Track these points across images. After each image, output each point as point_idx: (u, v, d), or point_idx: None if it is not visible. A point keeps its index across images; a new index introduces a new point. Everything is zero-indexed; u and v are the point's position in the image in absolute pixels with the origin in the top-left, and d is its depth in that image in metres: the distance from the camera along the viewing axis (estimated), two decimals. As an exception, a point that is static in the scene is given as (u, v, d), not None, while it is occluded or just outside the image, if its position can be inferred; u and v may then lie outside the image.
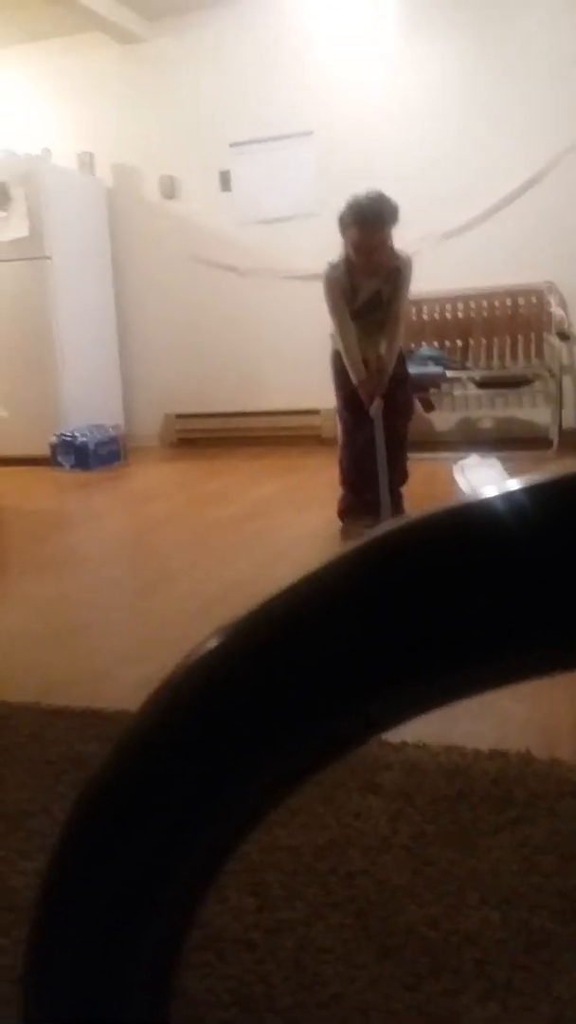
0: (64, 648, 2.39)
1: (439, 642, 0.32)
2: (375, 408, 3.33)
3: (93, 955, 0.34)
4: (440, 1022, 1.08)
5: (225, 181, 5.84)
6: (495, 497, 0.34)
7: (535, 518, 0.34)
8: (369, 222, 3.07)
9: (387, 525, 0.38)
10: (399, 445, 3.54)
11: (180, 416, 6.03)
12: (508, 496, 0.34)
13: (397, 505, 3.59)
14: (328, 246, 3.70)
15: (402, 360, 3.47)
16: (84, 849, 0.36)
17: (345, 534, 3.43)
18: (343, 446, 3.55)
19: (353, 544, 0.37)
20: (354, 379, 3.33)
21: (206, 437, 5.93)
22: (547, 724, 1.80)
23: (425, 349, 5.29)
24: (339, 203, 3.38)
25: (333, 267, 3.26)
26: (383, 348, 3.34)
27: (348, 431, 3.53)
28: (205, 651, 0.35)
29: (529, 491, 0.33)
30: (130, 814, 0.34)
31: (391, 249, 3.21)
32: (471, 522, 0.35)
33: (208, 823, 0.33)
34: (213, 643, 0.36)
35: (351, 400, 3.43)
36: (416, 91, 5.20)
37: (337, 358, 3.42)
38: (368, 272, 3.24)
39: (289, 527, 3.53)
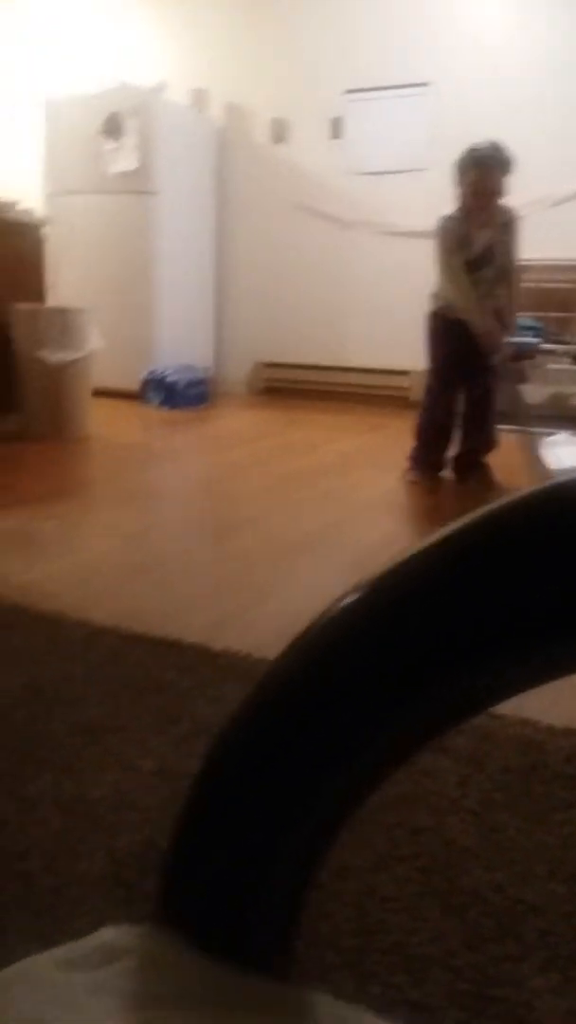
0: (145, 579, 2.44)
1: (556, 615, 0.31)
2: (499, 358, 3.38)
3: (228, 884, 0.35)
4: (501, 984, 1.08)
5: (337, 128, 5.73)
6: None
7: None
8: (489, 165, 3.13)
9: (516, 494, 0.37)
10: (488, 407, 3.53)
11: (269, 365, 6.02)
12: None
13: (482, 473, 3.56)
14: (435, 204, 3.62)
15: (503, 322, 3.43)
16: (225, 782, 0.36)
17: (408, 482, 3.56)
18: (424, 408, 3.58)
19: (487, 509, 0.36)
20: (476, 327, 3.29)
21: (293, 388, 5.91)
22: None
23: (523, 319, 5.14)
24: (450, 160, 3.31)
25: (448, 218, 3.26)
26: (502, 300, 3.35)
27: (432, 396, 3.52)
28: (342, 607, 0.35)
29: None
30: (268, 756, 0.35)
31: (501, 202, 3.24)
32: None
33: (338, 773, 0.34)
34: (350, 600, 0.36)
35: (444, 365, 3.41)
36: (539, 53, 5.00)
37: (435, 319, 3.39)
38: (482, 221, 3.24)
39: (366, 486, 3.51)
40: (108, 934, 0.33)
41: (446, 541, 0.35)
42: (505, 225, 3.31)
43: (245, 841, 0.34)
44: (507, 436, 4.60)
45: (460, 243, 3.25)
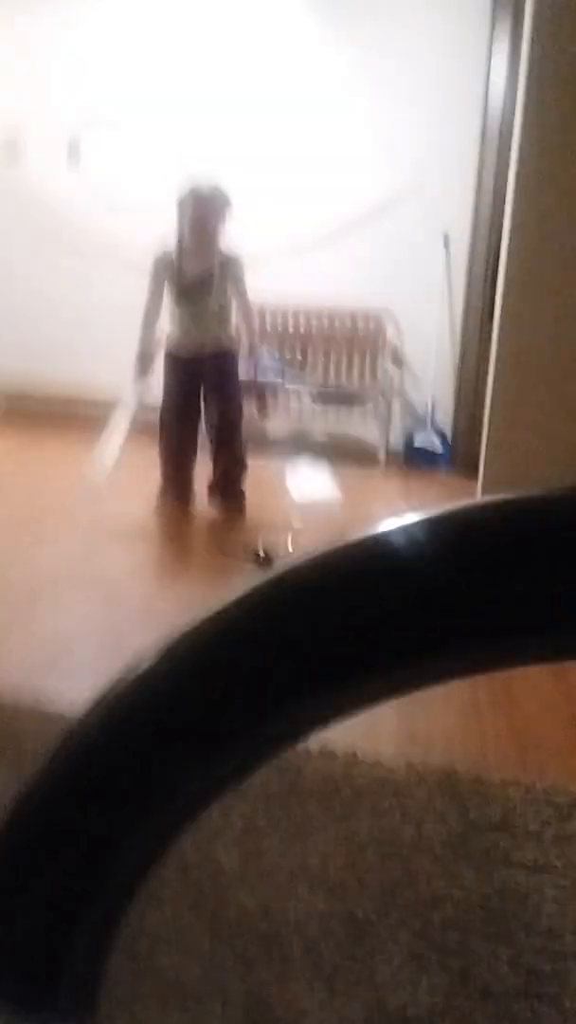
0: None
1: (346, 662, 0.36)
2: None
3: (29, 941, 0.35)
4: (272, 1008, 1.12)
5: (75, 153, 5.66)
6: (390, 530, 0.39)
7: (429, 548, 0.39)
8: (204, 198, 3.44)
9: (298, 557, 0.42)
10: (232, 430, 3.70)
11: (6, 395, 5.78)
12: (402, 528, 0.39)
13: (237, 499, 3.68)
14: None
15: (231, 354, 3.67)
16: (23, 840, 0.36)
17: (159, 514, 3.63)
18: (160, 440, 3.74)
19: (278, 569, 0.41)
20: (137, 345, 3.58)
21: (36, 412, 5.72)
22: (371, 728, 1.90)
23: (267, 356, 5.38)
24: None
25: (164, 251, 3.53)
26: (238, 329, 3.68)
27: (167, 428, 3.71)
28: (141, 668, 0.37)
29: (423, 523, 0.38)
30: (69, 813, 0.36)
31: (221, 242, 3.51)
32: (370, 554, 0.40)
33: (139, 830, 0.35)
34: (148, 661, 0.38)
35: (173, 398, 3.64)
36: (283, 97, 5.30)
37: (165, 356, 3.63)
38: (199, 254, 3.50)
39: (114, 514, 3.48)
40: None
41: (246, 598, 0.37)
42: (222, 265, 3.58)
43: (45, 897, 0.34)
44: (256, 466, 4.76)
45: (171, 271, 3.53)
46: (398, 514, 0.40)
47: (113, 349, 5.61)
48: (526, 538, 0.39)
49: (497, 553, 0.40)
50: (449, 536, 0.40)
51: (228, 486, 3.69)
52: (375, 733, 1.86)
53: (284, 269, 5.39)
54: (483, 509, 0.42)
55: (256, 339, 3.90)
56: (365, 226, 5.37)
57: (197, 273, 3.53)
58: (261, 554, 3.12)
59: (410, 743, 1.86)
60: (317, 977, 1.17)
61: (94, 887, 0.36)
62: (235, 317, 3.69)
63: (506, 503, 0.42)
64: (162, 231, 3.56)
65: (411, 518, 0.41)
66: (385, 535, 0.40)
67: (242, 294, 3.64)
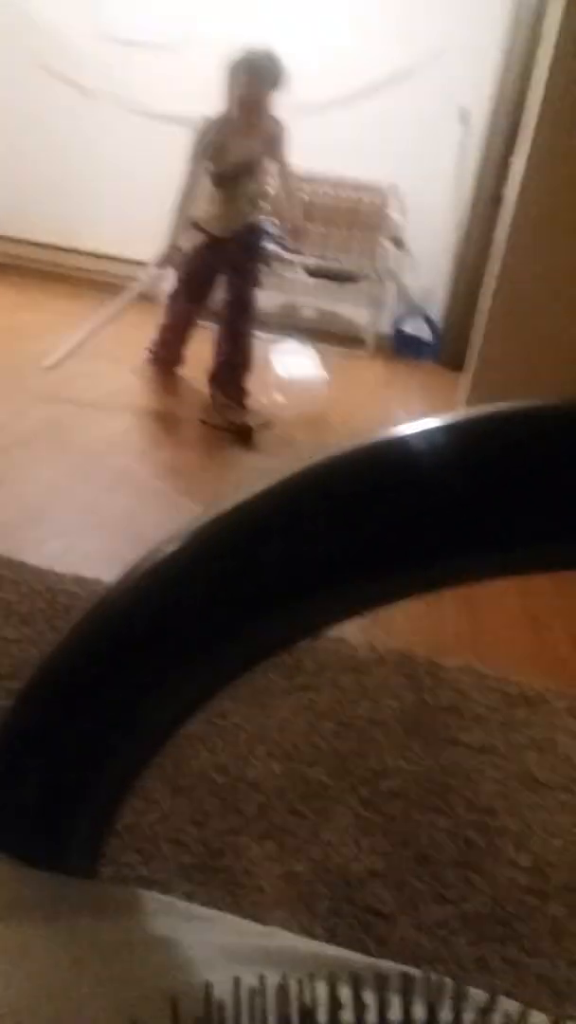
0: None
1: (356, 559, 0.36)
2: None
3: (48, 802, 0.36)
4: (224, 855, 1.19)
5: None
6: (408, 434, 0.38)
7: (443, 452, 0.38)
8: (262, 76, 3.05)
9: (321, 454, 0.41)
10: (243, 314, 3.51)
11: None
12: (419, 433, 0.39)
13: (235, 391, 3.51)
14: (193, 93, 3.48)
15: (258, 231, 3.45)
16: (48, 704, 0.37)
17: (144, 376, 3.54)
18: (167, 312, 3.59)
19: (291, 468, 0.40)
20: (169, 237, 3.28)
21: (20, 264, 5.50)
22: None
23: (267, 224, 5.18)
24: (215, 46, 3.20)
25: (208, 120, 3.12)
26: (283, 210, 3.53)
27: (176, 304, 3.52)
28: (165, 550, 0.37)
29: (440, 428, 0.38)
30: (97, 678, 0.36)
31: (270, 113, 3.18)
32: (383, 455, 0.39)
33: (156, 704, 0.36)
34: (172, 544, 0.38)
35: (188, 277, 3.41)
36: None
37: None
38: (245, 132, 3.15)
39: (101, 379, 3.42)
40: None
41: (279, 486, 0.37)
42: (270, 137, 3.26)
43: (64, 761, 0.35)
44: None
45: (214, 151, 3.15)
46: (404, 413, 0.39)
47: (114, 201, 5.37)
48: (544, 448, 0.39)
49: (511, 461, 0.39)
50: (464, 442, 0.40)
51: (231, 381, 3.46)
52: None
53: (290, 131, 5.12)
54: (500, 417, 0.42)
55: (301, 219, 3.65)
56: (378, 94, 5.09)
57: (243, 153, 3.20)
58: (242, 425, 3.10)
59: (373, 626, 1.92)
60: (268, 832, 1.25)
61: (109, 751, 0.37)
62: (276, 191, 3.45)
63: (523, 411, 0.42)
64: (176, 76, 3.29)
65: (427, 422, 0.40)
66: (401, 438, 0.40)
67: (285, 165, 3.38)
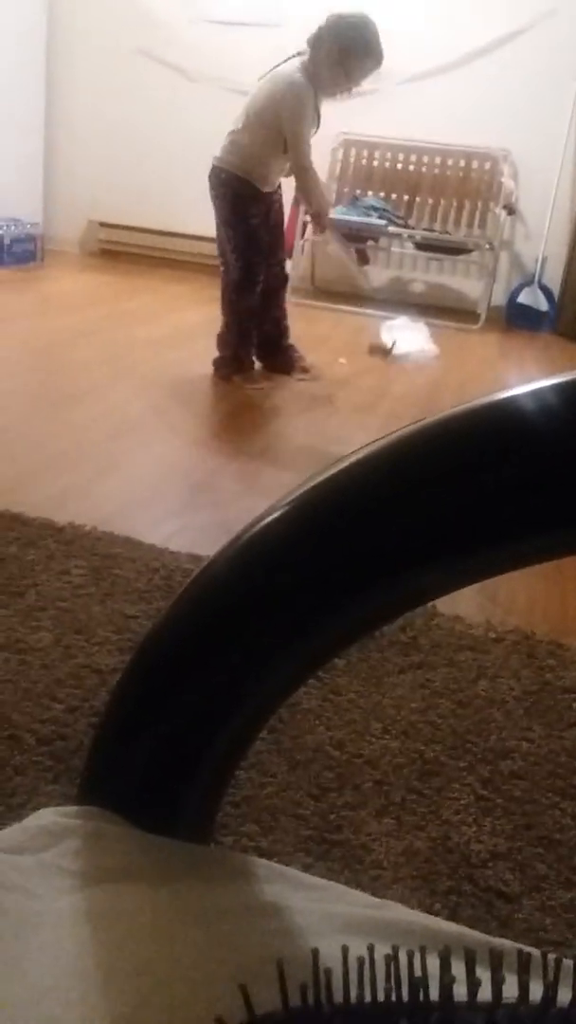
0: (-20, 449, 2.32)
1: (472, 523, 0.34)
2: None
3: (162, 764, 0.36)
4: (342, 830, 1.19)
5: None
6: (526, 393, 0.36)
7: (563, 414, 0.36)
8: (380, 62, 3.03)
9: (431, 419, 0.39)
10: (283, 285, 3.44)
11: (104, 225, 5.68)
12: (538, 392, 0.36)
13: (294, 356, 3.47)
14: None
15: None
16: (158, 669, 0.37)
17: (246, 386, 3.26)
18: (243, 308, 3.25)
19: (399, 431, 0.38)
20: (322, 206, 3.22)
21: (130, 252, 5.63)
22: (453, 583, 1.91)
23: (370, 198, 5.12)
24: (305, 17, 3.17)
25: (305, 84, 3.02)
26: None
27: (248, 290, 3.22)
28: (268, 520, 0.36)
29: (557, 388, 0.35)
30: (208, 643, 0.36)
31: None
32: (505, 416, 0.37)
33: (266, 673, 0.35)
34: (275, 514, 0.37)
35: (258, 251, 3.19)
36: None
37: (241, 184, 3.14)
38: (331, 91, 3.12)
39: (207, 359, 3.46)
40: (47, 816, 0.33)
41: (383, 451, 0.35)
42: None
43: (178, 723, 0.35)
44: (346, 319, 4.64)
45: (312, 116, 3.09)
46: (516, 378, 0.37)
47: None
48: None
49: None
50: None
51: (281, 345, 3.43)
52: (456, 592, 1.88)
53: (396, 101, 5.03)
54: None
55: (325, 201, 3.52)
56: (489, 56, 4.92)
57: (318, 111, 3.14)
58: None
59: (491, 604, 1.87)
60: (386, 808, 1.24)
61: (219, 717, 0.37)
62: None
63: None
64: (275, 55, 3.25)
65: (543, 383, 0.38)
66: (518, 399, 0.38)
67: None
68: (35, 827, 0.31)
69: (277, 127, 3.02)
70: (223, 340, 3.30)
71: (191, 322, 4.24)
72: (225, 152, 3.13)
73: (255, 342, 3.32)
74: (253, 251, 3.17)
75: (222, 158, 3.13)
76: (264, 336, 3.36)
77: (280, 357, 3.44)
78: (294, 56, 3.09)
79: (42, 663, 1.44)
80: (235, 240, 3.15)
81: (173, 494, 2.25)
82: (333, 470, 0.36)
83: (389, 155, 5.19)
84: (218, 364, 3.31)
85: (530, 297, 5.00)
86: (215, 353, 3.34)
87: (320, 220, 3.32)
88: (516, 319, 4.99)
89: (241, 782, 1.24)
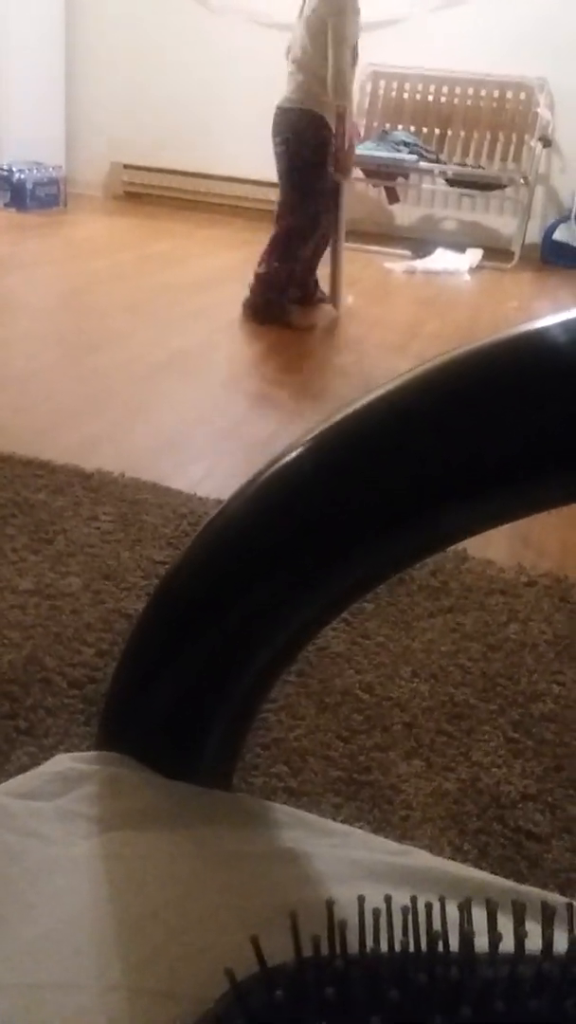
0: (7, 396, 2.32)
1: (501, 461, 0.32)
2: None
3: (182, 708, 0.35)
4: (371, 771, 1.19)
5: None
6: (556, 325, 0.33)
7: None
8: None
9: (459, 349, 0.37)
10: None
11: (128, 167, 5.57)
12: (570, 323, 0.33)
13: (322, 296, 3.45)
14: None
15: None
16: (176, 614, 0.36)
17: (308, 326, 3.27)
18: (307, 235, 3.22)
19: (426, 364, 0.36)
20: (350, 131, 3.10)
21: (155, 194, 5.53)
22: (484, 527, 1.89)
23: (400, 133, 4.96)
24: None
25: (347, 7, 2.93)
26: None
27: (321, 215, 3.21)
28: (289, 458, 0.35)
29: None
30: (225, 588, 0.35)
31: None
32: (535, 348, 0.34)
33: (286, 615, 0.34)
34: (296, 452, 0.35)
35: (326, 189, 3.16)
36: None
37: (326, 127, 3.06)
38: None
39: (239, 303, 3.41)
40: (63, 762, 0.33)
41: (399, 390, 0.34)
42: None
43: (197, 667, 0.34)
44: (376, 259, 4.54)
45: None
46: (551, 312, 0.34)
47: (246, 121, 5.27)
48: None
49: None
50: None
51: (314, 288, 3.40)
52: (487, 534, 1.84)
53: (427, 29, 4.83)
54: None
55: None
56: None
57: None
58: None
59: (522, 547, 1.85)
60: (416, 750, 1.24)
61: (240, 661, 0.36)
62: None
63: None
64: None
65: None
66: (544, 331, 0.35)
67: None
68: (52, 773, 0.31)
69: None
70: (270, 283, 3.21)
71: (218, 266, 4.17)
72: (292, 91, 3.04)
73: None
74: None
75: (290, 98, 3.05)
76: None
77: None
78: None
79: (72, 608, 1.45)
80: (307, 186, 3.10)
81: (201, 439, 2.24)
82: (353, 407, 0.34)
83: (420, 87, 5.01)
84: (258, 307, 3.24)
85: (566, 233, 4.85)
86: (240, 297, 3.28)
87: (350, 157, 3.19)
88: (552, 256, 4.85)
89: (270, 724, 1.25)
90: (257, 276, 3.22)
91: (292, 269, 3.22)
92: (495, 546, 1.81)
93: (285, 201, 3.19)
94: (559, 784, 1.20)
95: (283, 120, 3.08)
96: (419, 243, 4.81)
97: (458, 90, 4.95)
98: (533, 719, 1.32)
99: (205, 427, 2.31)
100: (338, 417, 0.36)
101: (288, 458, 0.36)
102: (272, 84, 4.89)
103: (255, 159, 5.25)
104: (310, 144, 3.06)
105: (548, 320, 0.35)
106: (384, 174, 4.85)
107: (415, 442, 0.34)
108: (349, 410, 0.36)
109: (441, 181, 4.97)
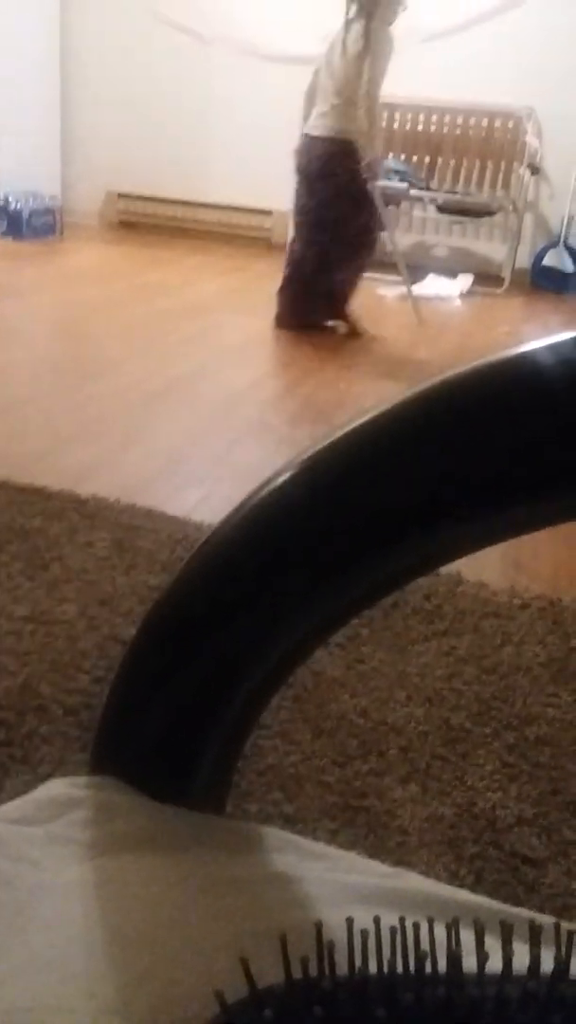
0: (2, 423, 2.33)
1: (494, 480, 0.33)
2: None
3: (174, 734, 0.36)
4: (367, 796, 1.19)
5: None
6: (544, 348, 0.34)
7: None
8: None
9: (446, 374, 0.37)
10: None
11: (123, 196, 5.63)
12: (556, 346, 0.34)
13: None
14: (313, 25, 3.39)
15: None
16: (167, 639, 0.36)
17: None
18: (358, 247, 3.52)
19: (418, 386, 0.37)
20: (371, 155, 3.35)
21: (149, 223, 5.59)
22: (477, 553, 1.89)
23: (391, 161, 5.03)
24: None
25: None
26: None
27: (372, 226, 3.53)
28: (281, 480, 0.35)
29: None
30: (214, 613, 0.35)
31: None
32: (525, 369, 0.35)
33: (278, 638, 0.34)
34: (288, 474, 0.36)
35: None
36: None
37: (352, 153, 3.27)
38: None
39: (232, 329, 3.44)
40: (56, 787, 0.33)
41: (390, 412, 0.34)
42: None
43: (189, 690, 0.34)
44: (367, 283, 4.57)
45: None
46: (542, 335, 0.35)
47: (237, 151, 5.34)
48: None
49: None
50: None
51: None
52: (480, 558, 1.86)
53: (416, 59, 4.91)
54: None
55: None
56: (512, 12, 4.78)
57: None
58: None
59: (515, 570, 1.85)
60: (411, 775, 1.24)
61: (232, 684, 0.37)
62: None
63: None
64: (291, 18, 3.20)
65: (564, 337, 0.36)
66: (536, 353, 0.36)
67: None
68: (45, 798, 0.31)
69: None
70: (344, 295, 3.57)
71: (211, 292, 4.21)
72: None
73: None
74: None
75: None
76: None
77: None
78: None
79: (68, 634, 1.45)
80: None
81: (196, 465, 2.25)
82: (343, 430, 0.35)
83: (410, 116, 5.08)
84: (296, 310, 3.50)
85: (556, 259, 4.91)
86: (234, 324, 3.33)
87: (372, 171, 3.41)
88: (542, 281, 4.91)
89: (266, 750, 1.24)
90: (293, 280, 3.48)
91: (334, 280, 3.52)
92: (488, 570, 1.81)
93: (322, 219, 3.40)
94: (555, 808, 1.20)
95: (325, 147, 3.33)
96: (410, 269, 4.86)
97: (447, 119, 5.02)
98: (528, 742, 1.32)
99: (200, 453, 2.32)
100: (328, 439, 0.37)
101: (278, 481, 0.36)
102: (264, 113, 4.97)
103: (247, 187, 5.32)
104: (355, 165, 3.31)
105: (537, 343, 0.36)
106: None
107: (406, 463, 0.35)
108: (339, 432, 0.36)
109: (432, 208, 5.03)
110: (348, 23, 3.21)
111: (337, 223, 3.35)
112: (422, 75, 4.94)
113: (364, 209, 3.39)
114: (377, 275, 4.74)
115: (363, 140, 3.26)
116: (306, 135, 3.33)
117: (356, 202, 3.35)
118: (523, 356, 0.35)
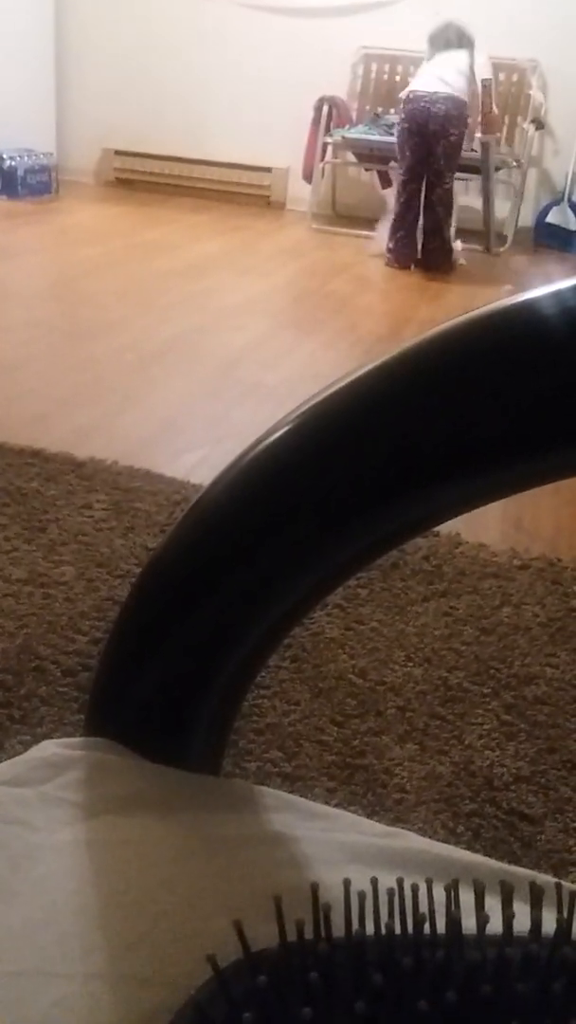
0: (0, 384, 2.31)
1: (493, 434, 0.32)
2: None
3: (169, 693, 0.35)
4: (365, 755, 1.20)
5: None
6: (546, 296, 0.32)
7: None
8: None
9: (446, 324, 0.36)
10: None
11: (120, 153, 5.53)
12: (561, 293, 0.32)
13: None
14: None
15: None
16: (161, 598, 0.35)
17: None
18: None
19: (413, 340, 0.35)
20: None
21: (146, 180, 5.49)
22: (476, 514, 1.88)
23: (393, 116, 4.92)
24: None
25: None
26: None
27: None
28: (274, 437, 0.34)
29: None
30: (210, 571, 0.34)
31: None
32: (526, 319, 0.34)
33: (272, 597, 0.33)
34: (281, 431, 0.35)
35: None
36: None
37: None
38: None
39: (231, 290, 3.39)
40: (49, 748, 0.32)
41: (384, 366, 0.33)
42: None
43: (184, 650, 0.34)
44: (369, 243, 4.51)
45: None
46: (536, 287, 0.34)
47: (237, 106, 5.23)
48: None
49: None
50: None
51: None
52: (480, 518, 1.85)
53: (419, 10, 4.79)
54: None
55: None
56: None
57: None
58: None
59: (515, 531, 1.85)
60: (409, 734, 1.24)
61: (226, 644, 0.36)
62: None
63: None
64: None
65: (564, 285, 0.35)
66: (536, 301, 0.35)
67: None
68: (37, 759, 0.31)
69: None
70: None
71: (210, 252, 4.15)
72: None
73: None
74: None
75: None
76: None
77: None
78: None
79: (66, 596, 1.44)
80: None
81: (194, 427, 2.23)
82: (338, 385, 0.33)
83: (412, 69, 4.96)
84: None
85: (559, 216, 4.83)
86: (236, 282, 3.28)
87: None
88: (545, 239, 4.84)
89: (264, 709, 1.25)
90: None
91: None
92: (488, 530, 1.81)
93: (439, 170, 3.99)
94: (552, 766, 1.21)
95: (442, 104, 3.90)
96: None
97: (450, 72, 4.90)
98: (526, 702, 1.32)
99: (199, 414, 2.30)
100: (323, 395, 0.35)
101: (271, 438, 0.35)
102: (264, 68, 4.86)
103: (246, 144, 5.22)
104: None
105: (537, 292, 0.34)
106: (377, 158, 4.82)
107: (401, 418, 0.34)
108: (334, 388, 0.35)
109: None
110: None
111: None
112: (424, 27, 4.82)
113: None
114: (377, 234, 4.68)
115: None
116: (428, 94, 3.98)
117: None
118: (523, 305, 0.33)
